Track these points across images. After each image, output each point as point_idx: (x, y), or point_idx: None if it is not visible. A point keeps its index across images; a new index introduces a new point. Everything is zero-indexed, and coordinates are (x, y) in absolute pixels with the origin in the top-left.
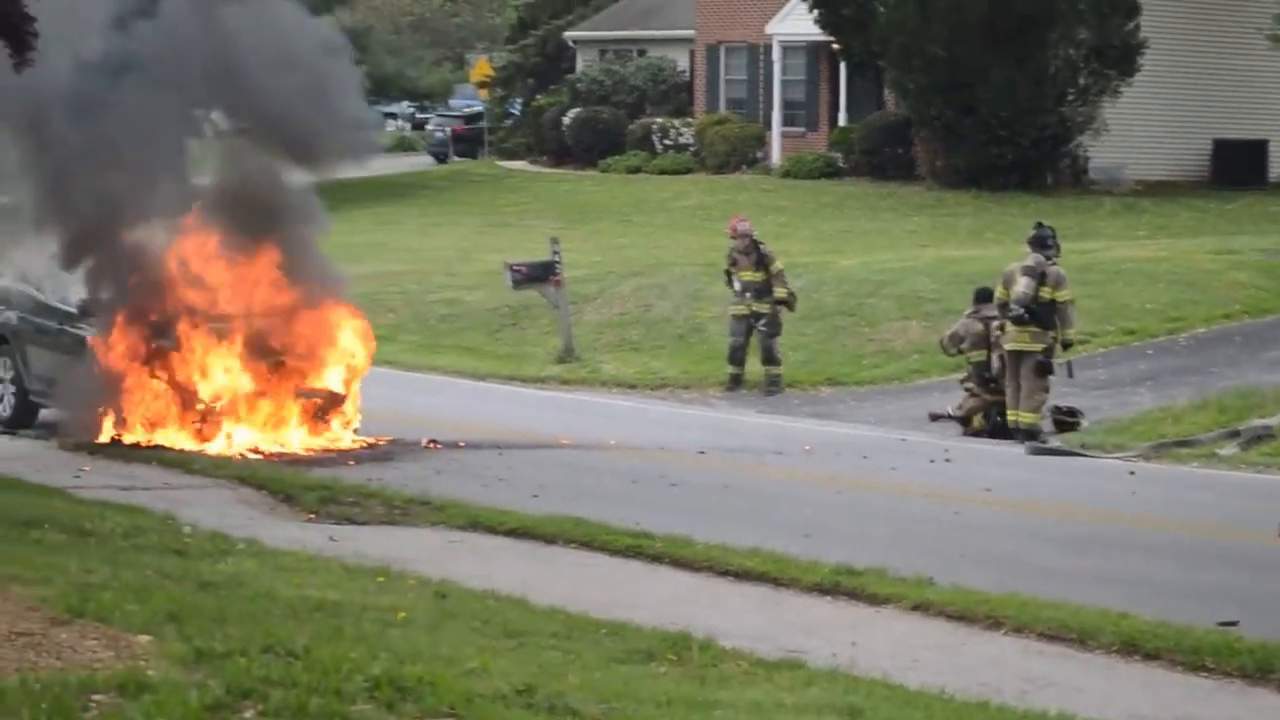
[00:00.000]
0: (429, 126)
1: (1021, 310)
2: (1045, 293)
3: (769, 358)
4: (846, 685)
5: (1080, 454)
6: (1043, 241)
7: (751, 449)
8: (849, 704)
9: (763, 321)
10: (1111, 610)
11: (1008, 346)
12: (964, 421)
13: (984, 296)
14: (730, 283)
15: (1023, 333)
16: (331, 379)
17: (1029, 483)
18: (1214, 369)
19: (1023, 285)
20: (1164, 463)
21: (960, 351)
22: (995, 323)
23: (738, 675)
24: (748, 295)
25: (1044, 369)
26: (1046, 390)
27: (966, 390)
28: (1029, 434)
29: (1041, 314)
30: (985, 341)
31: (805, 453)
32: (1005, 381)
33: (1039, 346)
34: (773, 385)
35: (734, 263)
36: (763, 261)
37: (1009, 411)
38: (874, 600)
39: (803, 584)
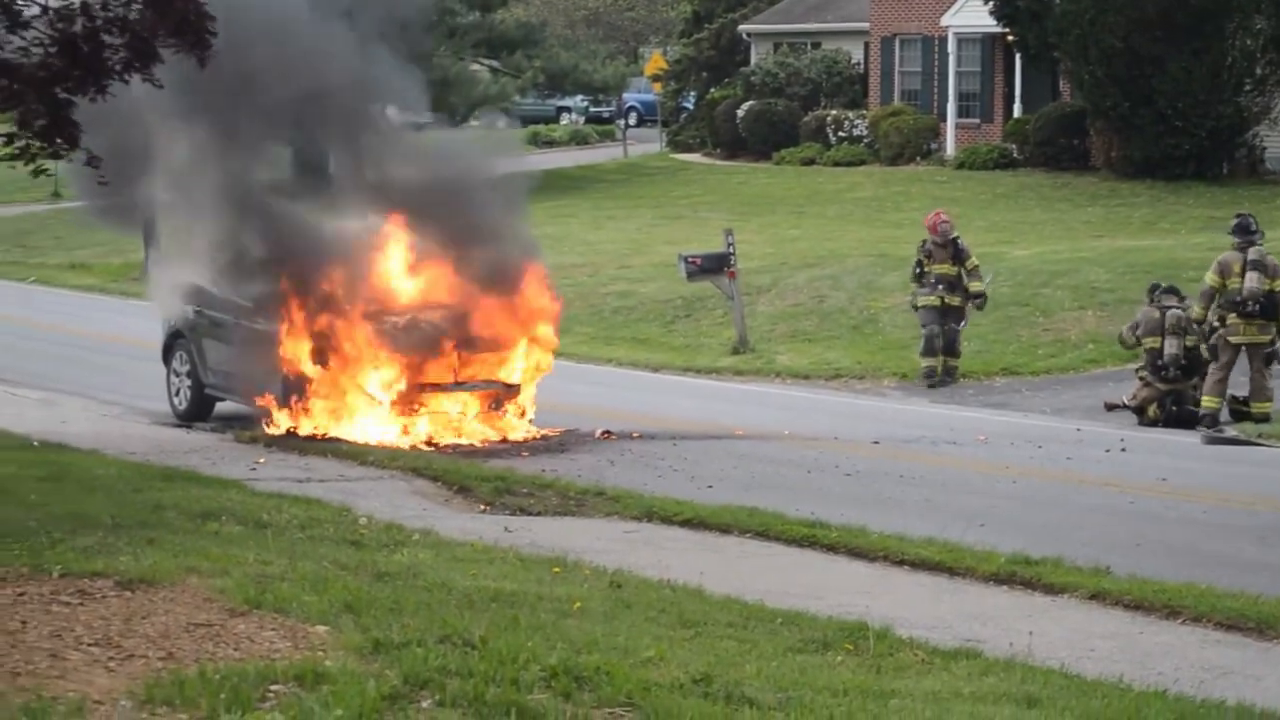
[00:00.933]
0: None
1: (1256, 305)
2: (1268, 284)
3: (951, 349)
4: (1024, 674)
5: (1258, 443)
6: (1246, 229)
7: (926, 439)
8: (1026, 693)
9: (953, 316)
10: None
11: (1235, 340)
12: (1139, 411)
13: (1159, 290)
14: (918, 277)
15: (1250, 325)
16: (507, 371)
17: (1205, 472)
18: None
19: (1254, 280)
20: None
21: (1139, 341)
22: (1173, 311)
23: (914, 664)
24: (940, 287)
25: (1273, 358)
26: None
27: (1141, 379)
28: (1263, 420)
29: (1269, 305)
30: (1160, 329)
31: (980, 442)
32: (1213, 370)
33: (1266, 338)
34: (948, 375)
35: (929, 255)
36: (959, 256)
37: (1211, 399)
38: (1050, 589)
39: (978, 573)
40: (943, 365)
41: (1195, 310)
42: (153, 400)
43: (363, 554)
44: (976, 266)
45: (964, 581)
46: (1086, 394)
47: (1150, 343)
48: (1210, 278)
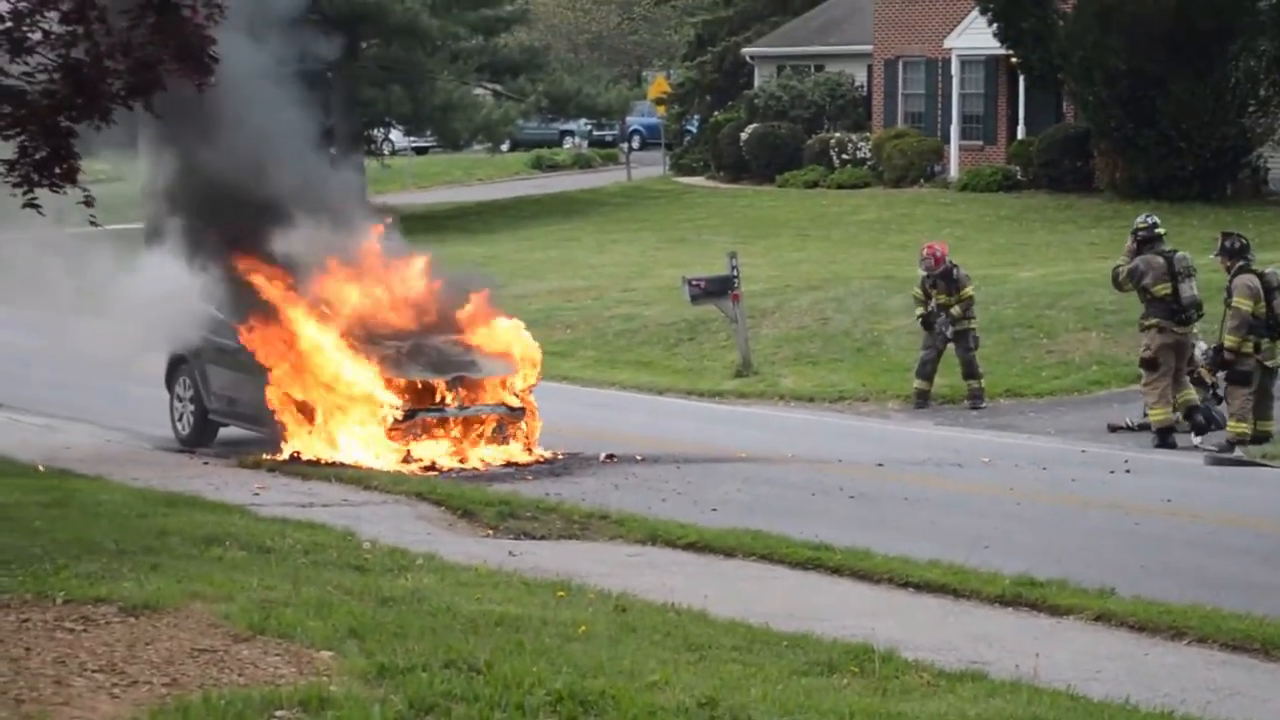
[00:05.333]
0: None
1: None
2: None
3: (971, 372)
4: (1030, 696)
5: (1262, 464)
6: (1241, 251)
7: (930, 461)
8: (1032, 715)
9: (966, 338)
10: None
11: (1271, 364)
12: (1149, 365)
13: (1147, 239)
14: (929, 325)
15: (1275, 346)
16: (509, 394)
17: (1209, 494)
18: None
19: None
20: None
21: (1141, 288)
22: (1180, 255)
23: (920, 687)
24: (942, 316)
25: (1275, 375)
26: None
27: (1156, 327)
28: (1264, 440)
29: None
30: (1170, 274)
31: (984, 464)
32: (1235, 394)
33: None
34: (976, 398)
35: (933, 285)
36: (955, 285)
37: (1239, 424)
38: (1055, 611)
39: (983, 595)
40: (969, 389)
41: (1229, 338)
42: (156, 426)
43: (367, 579)
44: (971, 299)
45: (969, 604)
46: (1091, 415)
47: (1161, 290)
48: (1244, 303)
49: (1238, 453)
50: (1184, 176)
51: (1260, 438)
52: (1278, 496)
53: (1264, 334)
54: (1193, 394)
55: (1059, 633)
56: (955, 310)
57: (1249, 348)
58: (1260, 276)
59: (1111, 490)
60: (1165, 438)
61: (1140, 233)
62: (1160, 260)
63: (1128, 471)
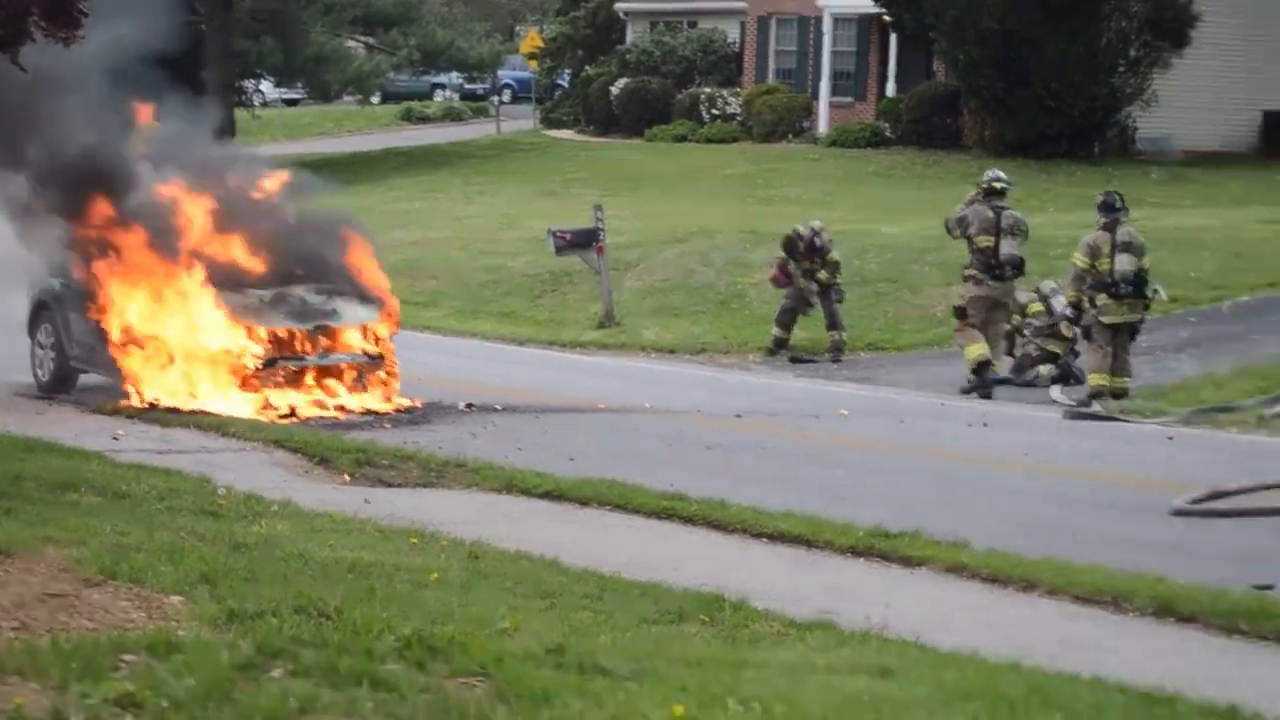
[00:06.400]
0: None
1: (1129, 286)
2: (1134, 262)
3: (833, 323)
4: (879, 646)
5: (1119, 419)
6: (1111, 206)
7: (789, 413)
8: (880, 664)
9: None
10: (1147, 573)
11: (1108, 320)
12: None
13: (991, 193)
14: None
15: (1122, 305)
16: (369, 343)
17: (1067, 448)
18: (1256, 336)
19: (1125, 262)
20: (1203, 429)
21: (966, 236)
22: (1009, 212)
23: (770, 636)
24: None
25: (1136, 334)
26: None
27: (971, 278)
28: (1121, 396)
29: (1138, 284)
30: (995, 228)
31: (842, 417)
32: (1092, 350)
33: (1137, 316)
34: (837, 351)
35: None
36: (821, 253)
37: (1097, 376)
38: (908, 562)
39: (837, 546)
40: (830, 341)
41: (1069, 293)
42: (16, 373)
43: (220, 525)
44: (837, 262)
45: (822, 554)
46: (951, 369)
47: (983, 241)
48: (1080, 259)
49: (1095, 407)
50: (1053, 135)
51: (1118, 393)
52: (1133, 451)
53: (1099, 290)
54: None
55: (911, 583)
56: (823, 275)
57: (1086, 303)
58: (1111, 233)
59: (969, 443)
60: (982, 374)
61: (982, 185)
62: (990, 214)
63: (985, 425)
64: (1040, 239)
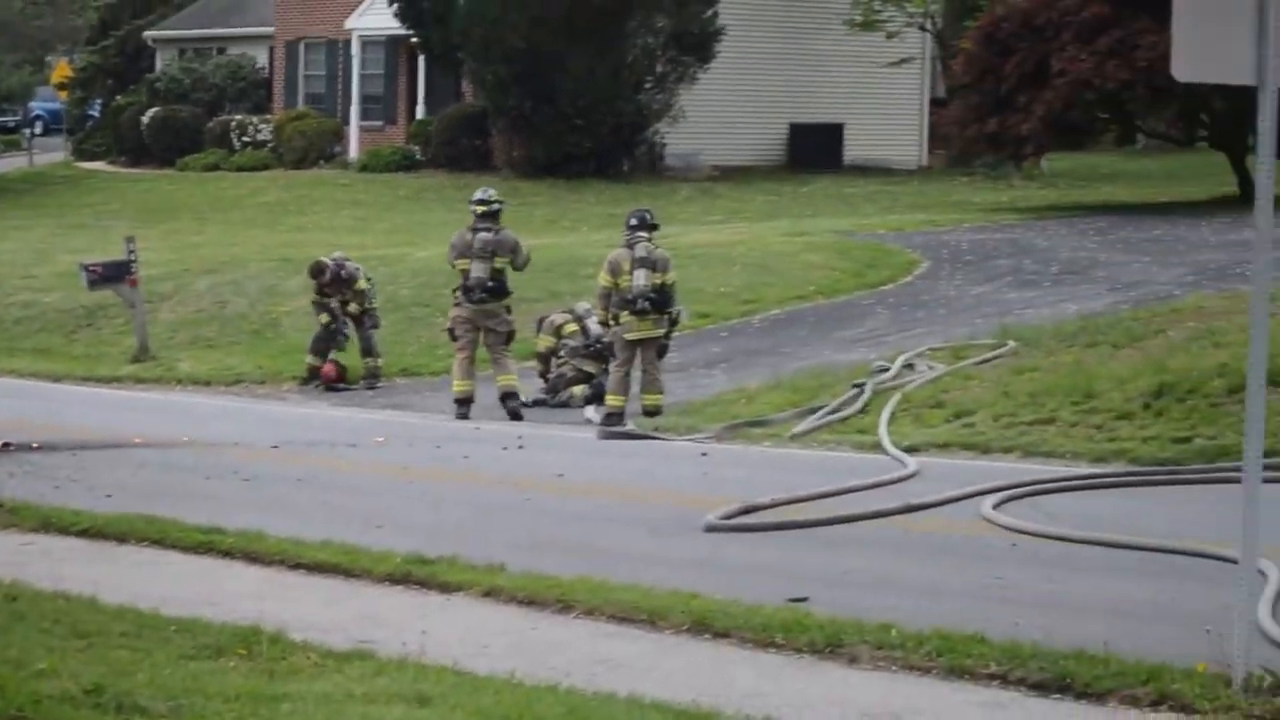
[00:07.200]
0: None
1: (646, 303)
2: (657, 279)
3: (368, 350)
4: (416, 673)
5: (653, 437)
6: (628, 224)
7: (326, 442)
8: (418, 692)
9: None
10: (682, 591)
11: (630, 336)
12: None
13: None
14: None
15: (644, 321)
16: None
17: (601, 468)
18: (786, 350)
19: (641, 278)
20: (736, 443)
21: (451, 263)
22: (482, 235)
23: (308, 667)
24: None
25: (664, 351)
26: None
27: (454, 301)
28: (654, 413)
29: (659, 300)
30: (470, 252)
31: (379, 444)
32: (613, 368)
33: (660, 332)
34: (372, 378)
35: (329, 291)
36: (347, 284)
37: (615, 397)
38: (445, 588)
39: (375, 574)
40: (365, 368)
41: (598, 312)
42: None
43: None
44: (363, 291)
45: (360, 583)
46: (485, 392)
47: (460, 265)
48: (603, 278)
49: (630, 426)
50: (581, 154)
51: (651, 410)
52: (668, 469)
53: (622, 307)
54: (512, 378)
55: (449, 609)
56: (354, 308)
57: (610, 320)
58: (631, 250)
59: (505, 466)
60: (461, 409)
61: (472, 205)
62: (469, 237)
63: (521, 447)
64: (572, 259)
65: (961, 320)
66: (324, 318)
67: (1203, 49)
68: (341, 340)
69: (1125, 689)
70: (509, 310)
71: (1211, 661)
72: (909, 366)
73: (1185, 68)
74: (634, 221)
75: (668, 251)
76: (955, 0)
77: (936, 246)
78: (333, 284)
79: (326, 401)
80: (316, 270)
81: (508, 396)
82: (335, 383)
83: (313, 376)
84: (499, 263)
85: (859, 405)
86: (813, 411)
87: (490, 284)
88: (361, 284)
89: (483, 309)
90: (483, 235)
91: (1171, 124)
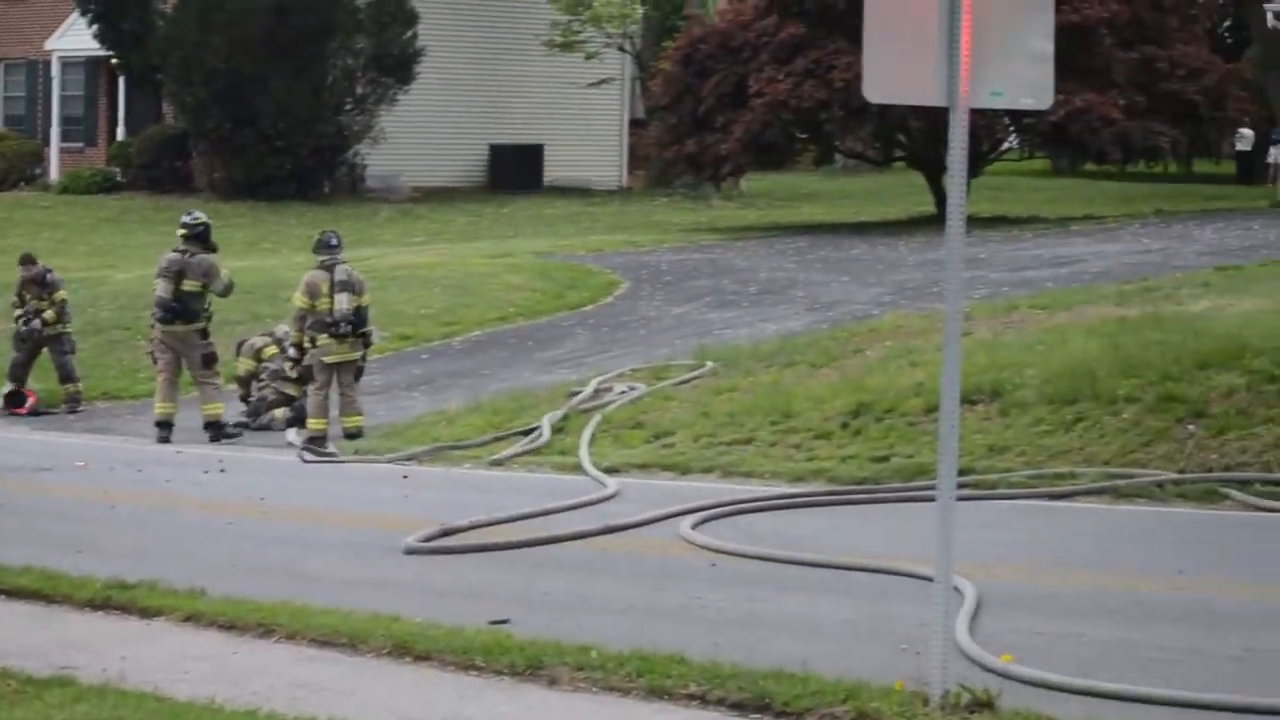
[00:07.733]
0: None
1: (348, 325)
2: (356, 301)
3: (66, 376)
4: (116, 700)
5: (354, 460)
6: (327, 245)
7: (25, 466)
8: (118, 718)
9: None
10: (384, 614)
11: (329, 359)
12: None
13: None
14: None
15: (343, 344)
16: None
17: (303, 491)
18: (487, 371)
19: (344, 301)
20: (438, 465)
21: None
22: (172, 255)
23: (8, 694)
24: (34, 320)
25: (361, 373)
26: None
27: (151, 325)
28: (355, 436)
29: (357, 322)
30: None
31: (79, 468)
32: (312, 391)
33: (357, 355)
34: (73, 402)
35: (28, 290)
36: (49, 289)
37: (317, 421)
38: (146, 613)
39: (75, 600)
40: (65, 393)
41: (291, 334)
42: None
43: None
44: (64, 301)
45: (61, 609)
46: (188, 416)
47: (156, 285)
48: (299, 299)
49: (331, 449)
50: (282, 176)
51: (352, 433)
52: (369, 491)
53: (320, 330)
54: (215, 407)
55: (149, 634)
56: (49, 314)
57: (307, 343)
58: (330, 272)
59: (206, 490)
60: (162, 432)
61: (181, 228)
62: (171, 257)
63: (223, 471)
64: (273, 281)
65: (662, 340)
66: (16, 314)
67: (893, 70)
68: (33, 341)
69: (824, 708)
70: (204, 335)
71: (910, 679)
72: (601, 392)
73: (877, 89)
74: (334, 242)
75: (361, 273)
76: (654, 21)
77: (636, 267)
78: (38, 283)
79: (27, 425)
80: (28, 258)
81: (209, 425)
82: (29, 412)
83: (9, 403)
84: (188, 285)
85: (545, 437)
86: (509, 436)
87: (173, 304)
88: (62, 294)
89: (170, 331)
90: (170, 255)
91: (869, 144)
